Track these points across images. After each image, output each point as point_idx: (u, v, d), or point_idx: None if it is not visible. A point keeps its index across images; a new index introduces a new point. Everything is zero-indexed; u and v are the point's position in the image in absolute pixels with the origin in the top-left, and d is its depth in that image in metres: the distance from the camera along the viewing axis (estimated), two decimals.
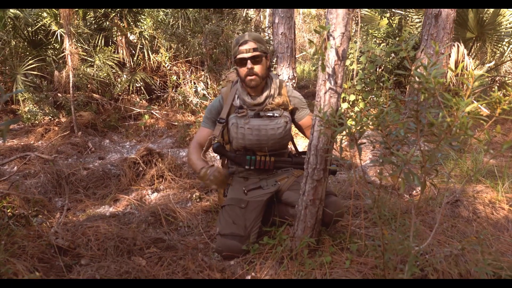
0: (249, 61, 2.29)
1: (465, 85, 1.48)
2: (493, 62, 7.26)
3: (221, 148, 2.44)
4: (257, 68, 2.31)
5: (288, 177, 2.46)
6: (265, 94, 2.38)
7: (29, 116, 5.42)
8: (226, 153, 2.46)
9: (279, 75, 4.76)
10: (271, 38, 7.33)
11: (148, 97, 6.75)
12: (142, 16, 6.83)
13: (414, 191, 3.23)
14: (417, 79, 1.48)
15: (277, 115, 2.36)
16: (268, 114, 2.36)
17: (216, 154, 2.75)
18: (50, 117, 5.58)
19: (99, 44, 6.33)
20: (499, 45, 7.01)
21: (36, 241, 2.10)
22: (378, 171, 1.60)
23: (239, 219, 2.30)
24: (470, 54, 6.60)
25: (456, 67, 5.17)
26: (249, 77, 2.31)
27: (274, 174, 2.50)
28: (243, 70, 2.32)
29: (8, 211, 2.48)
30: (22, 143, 4.66)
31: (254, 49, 2.29)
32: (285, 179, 2.45)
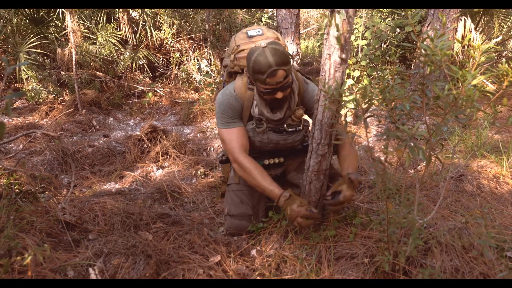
0: (279, 92, 1.96)
1: (472, 58, 1.45)
2: (501, 37, 7.13)
3: (227, 160, 2.35)
4: (285, 93, 2.01)
5: (294, 158, 2.38)
6: (285, 108, 2.10)
7: (33, 94, 5.42)
8: None
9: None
10: (275, 13, 7.22)
11: (151, 75, 6.72)
12: None
13: (419, 166, 3.23)
14: (423, 52, 1.46)
15: (300, 128, 2.17)
16: (290, 130, 2.15)
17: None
18: (54, 95, 5.58)
19: (101, 21, 6.27)
20: (507, 19, 6.86)
21: (44, 217, 2.14)
22: (383, 146, 1.60)
23: (247, 198, 2.29)
24: (477, 28, 6.49)
25: (463, 41, 5.09)
26: (275, 101, 2.04)
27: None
28: (268, 96, 2.00)
29: (16, 187, 2.51)
30: (27, 121, 4.68)
31: (285, 78, 1.92)
32: (291, 160, 2.38)
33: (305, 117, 2.23)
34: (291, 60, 1.98)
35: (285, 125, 2.15)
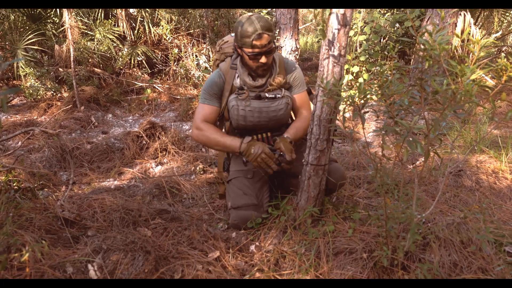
0: (263, 56, 2.16)
1: (471, 53, 1.45)
2: (500, 32, 7.12)
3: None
4: (268, 59, 2.19)
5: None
6: (266, 76, 2.30)
7: (31, 91, 5.40)
8: None
9: (281, 47, 4.69)
10: (273, 8, 7.19)
11: (150, 71, 6.70)
12: None
13: (418, 162, 3.23)
14: (422, 46, 1.45)
15: (279, 95, 2.29)
16: (270, 95, 2.28)
17: None
18: (52, 92, 5.56)
19: (99, 17, 6.24)
20: (507, 14, 6.84)
21: (43, 214, 2.13)
22: (381, 141, 1.60)
23: (249, 189, 2.31)
24: (477, 23, 6.47)
25: (461, 36, 5.08)
26: (260, 68, 2.23)
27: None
28: (253, 62, 2.19)
29: (14, 184, 2.51)
30: (25, 119, 4.67)
31: (269, 42, 2.14)
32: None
33: (288, 93, 2.34)
34: (273, 28, 2.24)
35: (266, 93, 2.29)
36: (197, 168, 3.30)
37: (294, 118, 2.47)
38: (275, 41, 2.20)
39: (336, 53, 1.78)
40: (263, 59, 2.17)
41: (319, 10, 1.73)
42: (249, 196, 2.28)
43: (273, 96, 2.28)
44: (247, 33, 2.09)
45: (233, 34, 2.40)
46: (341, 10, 1.71)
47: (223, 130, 2.47)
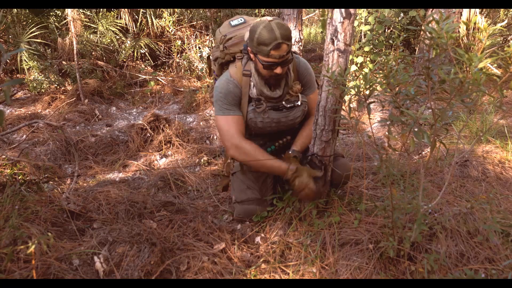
0: (279, 67, 1.99)
1: (478, 41, 1.43)
2: (506, 21, 7.03)
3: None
4: (284, 70, 2.03)
5: None
6: (283, 85, 2.14)
7: (35, 84, 5.40)
8: None
9: None
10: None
11: (153, 64, 6.68)
12: None
13: (423, 152, 3.22)
14: (428, 35, 1.43)
15: (297, 103, 2.18)
16: (288, 105, 2.16)
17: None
18: (56, 85, 5.56)
19: (101, 10, 6.21)
20: None
21: (48, 206, 2.14)
22: (387, 132, 1.58)
23: (253, 183, 2.29)
24: (482, 12, 6.39)
25: (467, 25, 5.02)
26: (272, 77, 2.07)
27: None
28: (267, 72, 2.02)
29: (20, 177, 2.51)
30: (29, 112, 4.67)
31: (287, 53, 1.96)
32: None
33: (304, 98, 2.24)
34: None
35: (283, 102, 2.17)
36: (202, 160, 3.30)
37: None
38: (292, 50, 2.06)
39: (341, 43, 1.76)
40: (278, 70, 1.99)
41: None
42: (252, 191, 2.27)
43: (292, 105, 2.18)
44: (265, 40, 1.90)
45: (233, 23, 2.28)
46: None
47: None
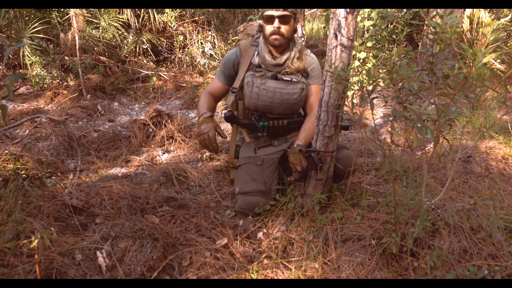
0: (277, 20, 2.20)
1: (482, 35, 1.42)
2: (509, 16, 6.98)
3: (233, 117, 2.40)
4: (284, 29, 2.22)
5: (297, 134, 2.40)
6: (285, 55, 2.30)
7: (37, 80, 5.40)
8: (238, 121, 2.43)
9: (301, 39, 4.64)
10: None
11: (155, 59, 6.67)
12: None
13: (427, 148, 3.20)
14: (432, 30, 1.42)
15: (295, 80, 2.29)
16: (286, 78, 2.29)
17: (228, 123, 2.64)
18: (58, 81, 5.55)
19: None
20: None
21: (51, 201, 2.14)
22: (389, 128, 1.57)
23: (258, 175, 2.31)
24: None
25: (471, 20, 4.99)
26: (274, 36, 2.23)
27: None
28: (269, 28, 2.24)
29: (23, 172, 2.52)
30: (32, 107, 4.67)
31: (287, 15, 2.21)
32: (295, 136, 2.40)
33: (304, 80, 2.34)
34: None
35: (281, 74, 2.31)
36: (204, 156, 3.29)
37: (305, 111, 2.45)
38: (295, 15, 2.28)
39: (344, 38, 1.75)
40: (277, 23, 2.20)
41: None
42: (257, 183, 2.28)
43: (289, 79, 2.29)
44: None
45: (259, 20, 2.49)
46: None
47: (236, 111, 2.47)
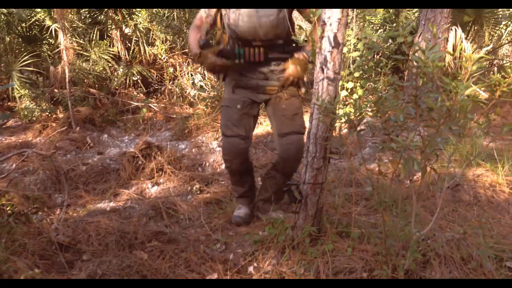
0: None
1: (464, 68, 1.46)
2: (491, 46, 7.20)
3: (208, 45, 2.43)
4: None
5: (278, 90, 2.44)
6: None
7: (26, 112, 5.38)
8: (213, 48, 2.46)
9: None
10: None
11: (145, 91, 6.71)
12: (137, 9, 6.76)
13: (415, 177, 3.22)
14: (415, 64, 1.46)
15: None
16: None
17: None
18: (47, 113, 5.54)
19: (94, 38, 6.27)
20: (497, 28, 6.95)
21: (36, 238, 2.10)
22: (377, 159, 1.59)
23: (237, 121, 2.48)
24: (468, 38, 6.55)
25: (454, 51, 5.14)
26: None
27: (268, 70, 2.45)
28: None
29: (8, 209, 2.47)
30: (20, 140, 4.64)
31: None
32: (275, 91, 2.45)
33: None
34: None
35: None
36: (194, 188, 3.28)
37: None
38: None
39: (330, 71, 1.79)
40: None
41: (312, 28, 1.74)
42: (238, 128, 2.47)
43: None
44: None
45: None
46: (335, 29, 1.73)
47: (221, 43, 2.53)
